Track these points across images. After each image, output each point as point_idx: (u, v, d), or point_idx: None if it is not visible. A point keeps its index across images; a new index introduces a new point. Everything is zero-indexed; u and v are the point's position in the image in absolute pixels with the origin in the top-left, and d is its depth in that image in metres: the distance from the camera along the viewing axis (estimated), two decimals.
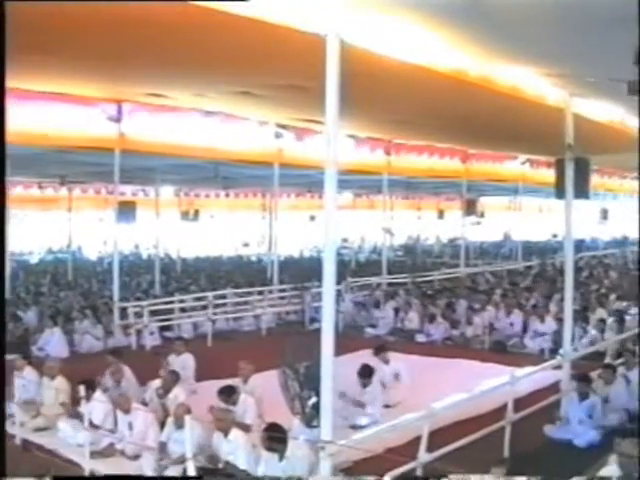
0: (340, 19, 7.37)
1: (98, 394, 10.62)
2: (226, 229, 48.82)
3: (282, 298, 22.70)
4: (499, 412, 10.56)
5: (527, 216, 46.35)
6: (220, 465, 8.82)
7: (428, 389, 12.58)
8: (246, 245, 49.03)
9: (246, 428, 9.71)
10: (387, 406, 12.23)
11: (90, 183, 31.23)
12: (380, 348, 13.59)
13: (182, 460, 8.56)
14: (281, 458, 8.29)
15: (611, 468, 7.54)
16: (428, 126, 16.17)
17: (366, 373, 11.70)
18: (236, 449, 8.88)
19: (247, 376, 11.46)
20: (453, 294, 22.98)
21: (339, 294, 21.96)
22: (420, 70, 9.66)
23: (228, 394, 10.32)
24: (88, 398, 9.96)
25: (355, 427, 10.87)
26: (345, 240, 46.60)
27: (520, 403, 10.93)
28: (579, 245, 43.32)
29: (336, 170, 7.39)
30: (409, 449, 8.92)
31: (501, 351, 17.52)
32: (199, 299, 21.41)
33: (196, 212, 35.89)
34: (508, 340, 18.29)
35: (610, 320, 17.90)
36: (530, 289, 23.93)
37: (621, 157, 23.20)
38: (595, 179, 30.56)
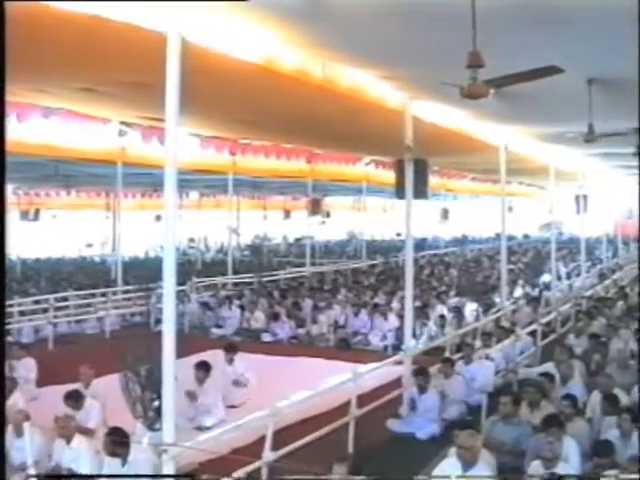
0: (181, 17, 7.30)
1: None
2: (68, 229, 47.44)
3: (127, 299, 22.31)
4: (344, 408, 10.72)
5: (371, 215, 47.29)
6: (62, 472, 8.58)
7: (274, 388, 12.64)
8: (89, 246, 47.83)
9: (89, 433, 9.49)
10: (233, 406, 12.23)
11: None
12: (231, 347, 13.55)
13: (23, 468, 8.30)
14: (124, 463, 8.14)
15: (451, 460, 7.77)
16: (272, 126, 16.19)
17: (203, 369, 11.63)
18: (79, 455, 8.66)
19: (89, 381, 11.19)
20: (299, 293, 23.15)
21: (185, 294, 21.78)
22: (263, 70, 9.66)
23: (76, 399, 10.06)
24: None
25: (201, 428, 10.81)
26: (192, 240, 46.20)
27: (364, 399, 11.14)
28: (421, 244, 44.58)
29: (176, 169, 7.30)
30: (255, 448, 8.94)
31: (346, 348, 17.79)
32: (39, 302, 20.75)
33: (36, 211, 34.71)
34: (353, 337, 18.58)
35: (450, 316, 18.49)
36: (374, 287, 24.37)
37: (460, 159, 24.02)
38: (436, 180, 31.50)
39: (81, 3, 7.33)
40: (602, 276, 28.55)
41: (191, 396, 11.27)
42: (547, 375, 10.93)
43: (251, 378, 13.12)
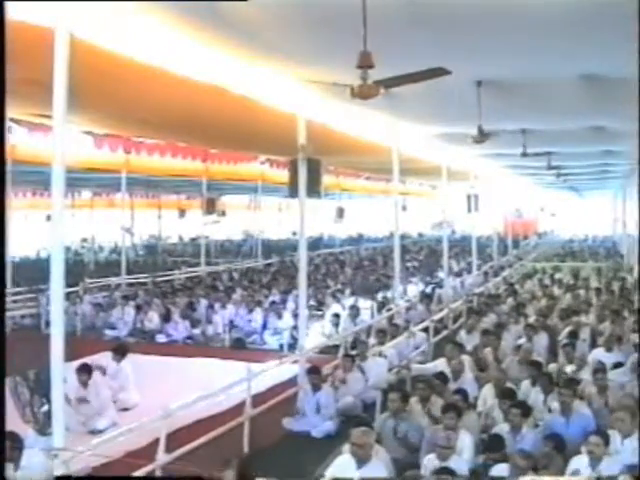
0: (71, 13, 7.18)
1: None
2: None
3: (16, 302, 21.72)
4: (239, 408, 10.72)
5: (267, 215, 47.29)
6: None
7: (168, 389, 12.53)
8: None
9: None
10: (126, 409, 12.09)
11: None
12: (119, 348, 13.35)
13: None
14: (16, 468, 7.94)
15: (345, 457, 7.84)
16: (167, 125, 16.03)
17: (85, 372, 11.42)
18: None
19: None
20: (194, 293, 22.97)
21: (77, 296, 21.38)
22: (157, 69, 9.58)
23: None
24: None
25: (94, 432, 10.66)
26: (84, 240, 45.36)
27: (260, 398, 11.18)
28: (317, 243, 44.83)
29: (64, 167, 7.20)
30: (149, 451, 8.87)
31: (241, 348, 17.73)
32: None
33: None
34: (248, 337, 18.54)
35: (344, 314, 18.63)
36: (270, 286, 24.36)
37: (354, 158, 24.23)
38: (331, 179, 31.71)
39: None
40: (486, 274, 29.23)
41: (78, 400, 11.12)
42: (440, 374, 11.13)
43: (146, 380, 13.00)
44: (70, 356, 7.42)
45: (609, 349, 12.96)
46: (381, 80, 7.75)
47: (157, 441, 8.76)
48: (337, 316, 18.15)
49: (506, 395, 9.76)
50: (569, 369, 11.88)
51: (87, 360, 12.61)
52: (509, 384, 10.71)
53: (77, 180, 27.89)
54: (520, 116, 14.37)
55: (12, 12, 7.45)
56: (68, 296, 18.07)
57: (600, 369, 10.78)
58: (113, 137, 20.84)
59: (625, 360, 12.41)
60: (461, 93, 11.12)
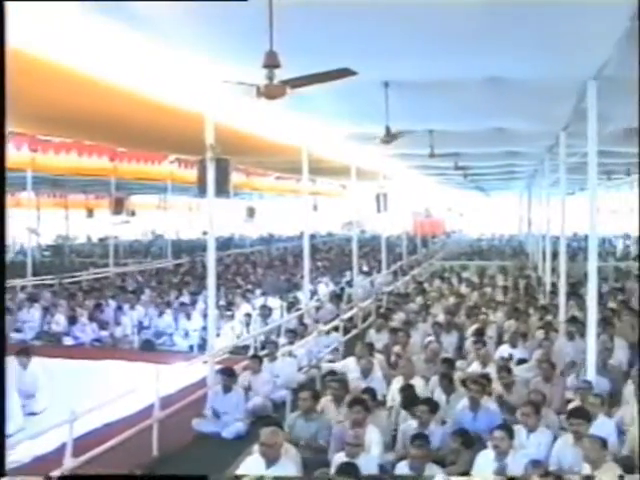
0: None
1: None
2: None
3: None
4: (148, 410, 10.62)
5: (177, 214, 46.87)
6: None
7: (76, 393, 12.34)
8: None
9: None
10: (33, 413, 11.85)
11: None
12: (23, 352, 13.04)
13: None
14: None
15: (254, 457, 7.85)
16: (73, 123, 15.75)
17: None
18: None
19: None
20: (102, 294, 22.59)
21: None
22: (62, 67, 9.44)
23: None
24: None
25: None
26: None
27: (169, 400, 11.09)
28: (228, 242, 44.66)
29: None
30: (58, 455, 8.75)
31: (150, 350, 17.53)
32: None
33: None
34: (157, 338, 18.33)
35: (255, 314, 18.61)
36: (179, 287, 24.13)
37: (264, 158, 24.22)
38: (241, 178, 31.63)
39: None
40: (395, 273, 29.57)
41: None
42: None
43: (52, 384, 12.76)
44: None
45: (514, 345, 13.28)
46: (287, 80, 7.76)
47: (65, 445, 8.64)
48: (249, 316, 18.12)
49: (410, 393, 9.93)
50: (476, 366, 12.10)
51: None
52: (418, 379, 10.89)
53: None
54: (427, 117, 14.57)
55: None
56: None
57: (505, 366, 11.04)
58: (17, 135, 20.36)
59: (529, 356, 12.75)
60: (369, 93, 11.21)
